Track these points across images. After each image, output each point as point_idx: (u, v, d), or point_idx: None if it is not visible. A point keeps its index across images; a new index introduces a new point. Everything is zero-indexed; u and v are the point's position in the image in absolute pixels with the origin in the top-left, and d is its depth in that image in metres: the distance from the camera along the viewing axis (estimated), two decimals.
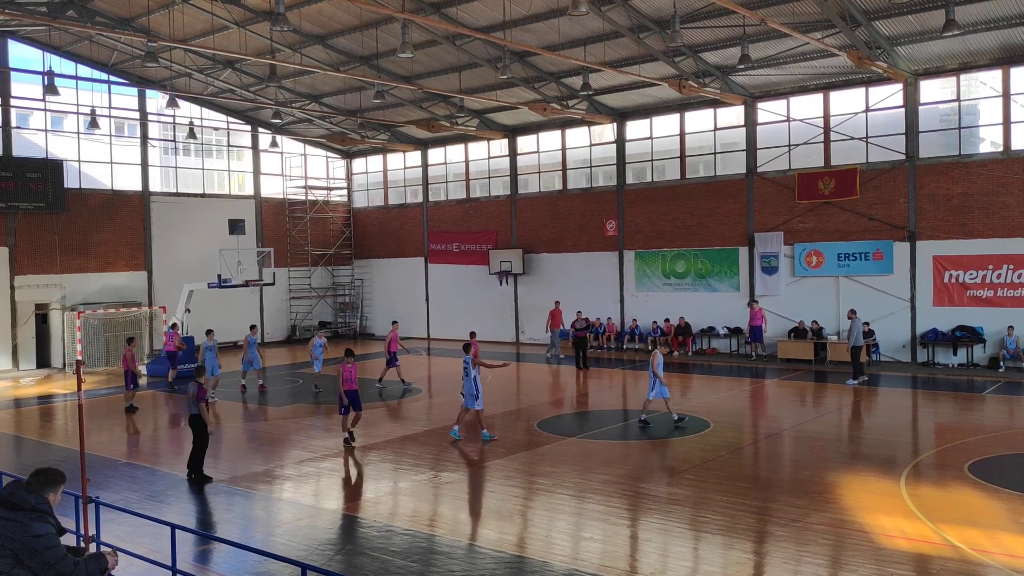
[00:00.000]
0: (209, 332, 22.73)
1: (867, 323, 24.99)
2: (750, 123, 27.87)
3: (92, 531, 8.29)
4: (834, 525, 10.58)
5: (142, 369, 27.53)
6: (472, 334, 20.14)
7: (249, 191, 37.46)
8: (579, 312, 27.51)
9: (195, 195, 34.84)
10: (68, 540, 6.70)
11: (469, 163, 36.03)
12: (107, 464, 14.69)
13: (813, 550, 9.72)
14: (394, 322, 24.54)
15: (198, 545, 10.34)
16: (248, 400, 22.10)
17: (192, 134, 33.03)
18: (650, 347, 27.86)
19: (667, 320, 29.08)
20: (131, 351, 21.09)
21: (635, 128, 30.86)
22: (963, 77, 24.27)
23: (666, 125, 30.05)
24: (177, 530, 8.16)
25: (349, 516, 11.62)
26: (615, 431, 16.85)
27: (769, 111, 27.58)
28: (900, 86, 24.83)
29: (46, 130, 30.95)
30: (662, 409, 17.07)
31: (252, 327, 24.21)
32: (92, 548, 8.02)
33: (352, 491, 13.28)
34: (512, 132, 33.77)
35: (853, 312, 22.46)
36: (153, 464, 14.92)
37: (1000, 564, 9.16)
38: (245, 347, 23.01)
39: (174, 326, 26.17)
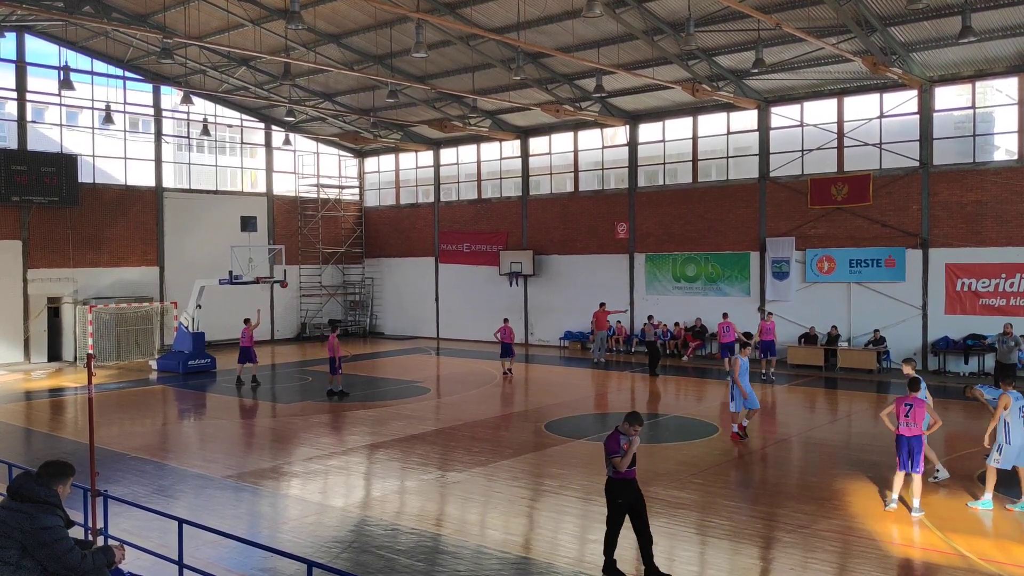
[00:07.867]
0: (744, 346, 16.54)
1: (877, 330, 24.92)
2: (763, 127, 27.78)
3: (100, 524, 8.34)
4: (842, 532, 10.53)
5: (153, 364, 27.75)
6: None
7: (261, 188, 37.59)
8: (650, 316, 27.56)
9: (208, 192, 34.98)
10: (76, 533, 6.73)
11: (481, 164, 36.05)
12: (116, 458, 14.77)
13: (820, 556, 9.68)
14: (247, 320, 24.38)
15: (205, 540, 10.37)
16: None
17: (206, 131, 33.16)
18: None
19: (677, 323, 29.03)
20: (334, 338, 21.99)
21: (647, 131, 30.81)
22: (979, 84, 24.13)
23: (679, 128, 29.99)
24: (184, 525, 8.18)
25: (355, 514, 11.64)
26: None
27: (783, 115, 27.49)
28: (915, 92, 24.70)
29: (61, 125, 31.15)
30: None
31: (744, 344, 16.78)
32: (100, 541, 8.07)
33: (361, 489, 13.32)
34: (524, 133, 33.77)
35: (1010, 327, 21.23)
36: (161, 459, 14.98)
37: (1009, 575, 9.10)
38: (736, 372, 15.65)
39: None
